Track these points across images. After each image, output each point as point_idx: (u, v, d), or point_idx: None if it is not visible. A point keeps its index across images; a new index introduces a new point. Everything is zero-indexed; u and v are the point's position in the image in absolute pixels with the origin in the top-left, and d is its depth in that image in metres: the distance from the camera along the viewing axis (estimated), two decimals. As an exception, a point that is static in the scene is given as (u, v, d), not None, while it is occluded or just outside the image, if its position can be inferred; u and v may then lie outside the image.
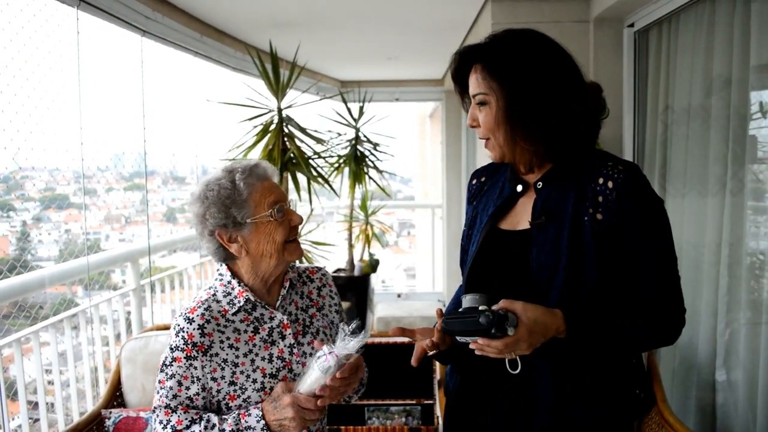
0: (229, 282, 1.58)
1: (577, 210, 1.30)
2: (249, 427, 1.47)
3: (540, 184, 1.38)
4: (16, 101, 2.50)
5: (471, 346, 1.24)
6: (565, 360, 1.31)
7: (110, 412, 2.26)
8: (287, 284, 1.63)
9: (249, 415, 1.48)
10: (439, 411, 2.55)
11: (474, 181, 1.58)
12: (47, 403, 2.77)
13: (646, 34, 2.99)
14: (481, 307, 1.21)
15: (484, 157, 1.61)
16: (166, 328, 2.59)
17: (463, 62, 1.39)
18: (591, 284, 1.28)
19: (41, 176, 3.15)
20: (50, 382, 2.88)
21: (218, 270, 1.62)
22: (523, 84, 1.29)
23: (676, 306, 1.31)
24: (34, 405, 2.73)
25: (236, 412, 1.49)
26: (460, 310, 1.26)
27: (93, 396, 3.10)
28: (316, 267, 1.77)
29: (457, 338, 1.28)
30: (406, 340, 2.85)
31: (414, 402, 2.78)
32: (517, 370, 1.28)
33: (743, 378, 2.23)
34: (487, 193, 1.52)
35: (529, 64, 1.30)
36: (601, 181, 1.29)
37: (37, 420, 2.74)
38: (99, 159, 3.46)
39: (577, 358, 1.31)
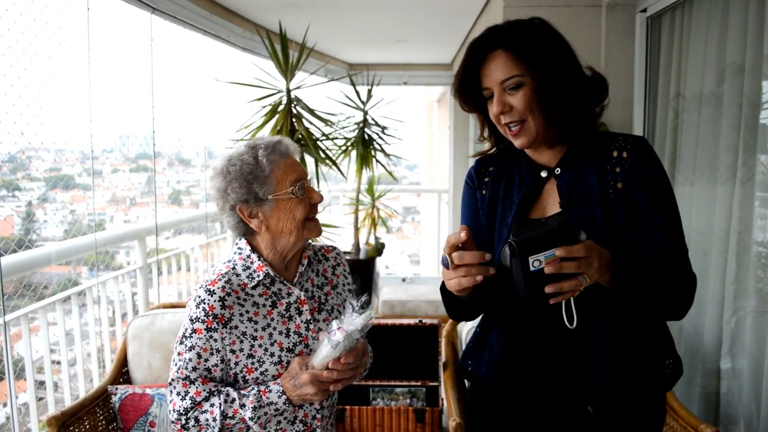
0: (249, 256, 1.58)
1: (602, 185, 1.34)
2: (271, 403, 1.49)
3: (558, 170, 1.39)
4: (26, 76, 2.50)
5: (547, 269, 1.11)
6: (617, 318, 1.31)
7: (116, 389, 2.28)
8: (305, 261, 1.64)
9: (270, 391, 1.50)
10: (443, 393, 2.56)
11: (482, 170, 1.53)
12: (54, 383, 2.78)
13: (658, 20, 2.96)
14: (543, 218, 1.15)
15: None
16: (173, 306, 2.61)
17: (478, 54, 1.35)
18: (624, 253, 1.30)
19: (47, 156, 3.15)
20: (56, 362, 2.89)
21: (237, 243, 1.62)
22: (554, 60, 1.31)
23: (687, 262, 1.36)
24: (40, 383, 2.75)
25: (256, 389, 1.50)
26: (519, 228, 1.15)
27: (99, 374, 3.12)
28: (331, 246, 1.78)
29: (531, 265, 1.11)
30: (411, 321, 2.87)
31: (419, 383, 2.80)
32: (574, 325, 1.23)
33: (748, 366, 2.23)
34: (500, 182, 1.48)
35: (552, 41, 1.33)
36: (615, 153, 1.35)
37: (41, 399, 2.75)
38: (105, 140, 3.46)
39: (626, 316, 1.32)
